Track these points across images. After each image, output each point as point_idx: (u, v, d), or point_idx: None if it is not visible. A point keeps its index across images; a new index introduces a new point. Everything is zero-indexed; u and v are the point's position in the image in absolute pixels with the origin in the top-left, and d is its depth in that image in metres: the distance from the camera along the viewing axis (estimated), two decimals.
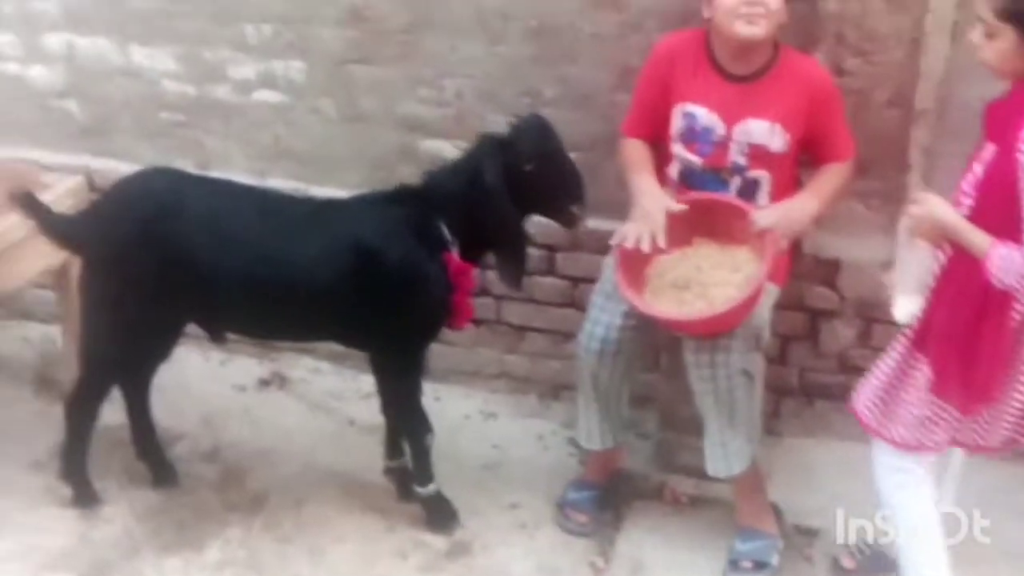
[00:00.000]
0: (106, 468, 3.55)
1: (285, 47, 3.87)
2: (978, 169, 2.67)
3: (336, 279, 3.11)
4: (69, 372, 3.57)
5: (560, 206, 3.18)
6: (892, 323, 3.57)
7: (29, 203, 3.17)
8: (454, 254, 3.14)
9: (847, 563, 3.25)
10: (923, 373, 2.78)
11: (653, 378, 3.63)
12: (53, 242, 3.23)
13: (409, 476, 3.45)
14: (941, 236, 2.72)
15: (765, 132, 3.14)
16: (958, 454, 3.03)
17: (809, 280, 3.62)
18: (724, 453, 3.21)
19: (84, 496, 3.45)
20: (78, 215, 3.34)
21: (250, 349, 4.07)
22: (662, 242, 3.05)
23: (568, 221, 3.22)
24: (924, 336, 2.78)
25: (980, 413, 2.77)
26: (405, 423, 3.38)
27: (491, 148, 3.09)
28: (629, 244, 3.05)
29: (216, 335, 3.37)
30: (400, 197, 3.22)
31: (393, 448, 3.49)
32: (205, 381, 4.05)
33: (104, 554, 3.30)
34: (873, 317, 3.62)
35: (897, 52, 3.35)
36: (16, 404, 3.90)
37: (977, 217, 2.64)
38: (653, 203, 3.10)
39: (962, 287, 2.67)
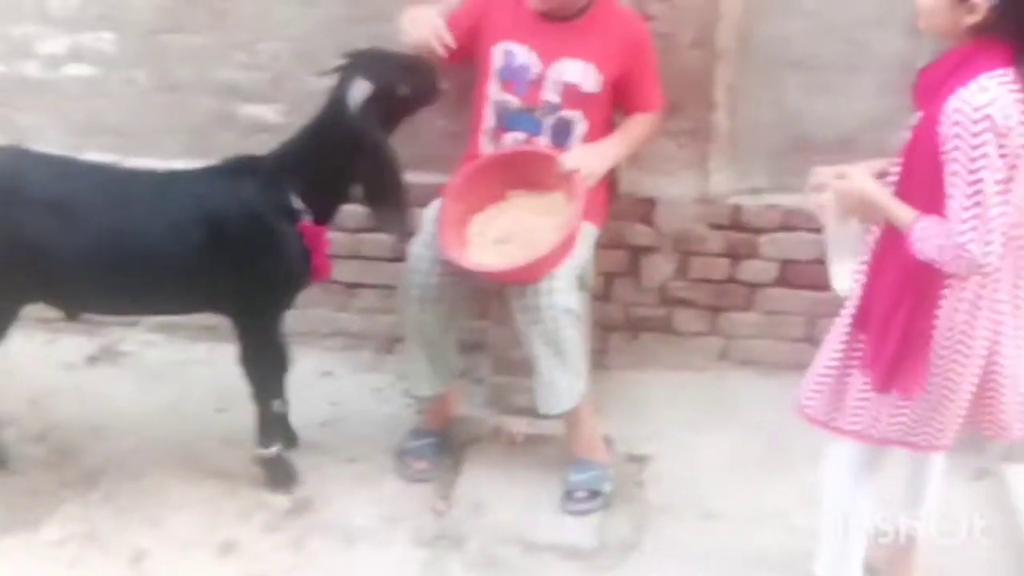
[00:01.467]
0: None
1: (94, 19, 3.79)
2: (908, 137, 2.51)
3: (186, 253, 3.08)
4: None
5: (427, 98, 3.21)
6: (709, 255, 3.78)
7: None
8: (307, 221, 3.14)
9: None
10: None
11: (484, 325, 3.69)
12: None
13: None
14: (869, 211, 2.57)
15: (579, 72, 3.23)
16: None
17: (628, 218, 3.74)
18: (554, 391, 3.27)
19: None
20: None
21: (77, 327, 3.95)
22: (448, 39, 3.18)
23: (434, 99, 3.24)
24: (866, 316, 2.59)
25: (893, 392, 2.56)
26: (258, 387, 3.34)
27: (363, 103, 3.05)
28: (441, 50, 3.18)
29: (70, 314, 3.35)
30: (247, 167, 3.19)
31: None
32: (30, 362, 3.92)
33: None
34: (689, 251, 3.77)
35: None
36: None
37: (904, 187, 2.49)
38: (420, 12, 3.21)
39: (891, 262, 2.52)
